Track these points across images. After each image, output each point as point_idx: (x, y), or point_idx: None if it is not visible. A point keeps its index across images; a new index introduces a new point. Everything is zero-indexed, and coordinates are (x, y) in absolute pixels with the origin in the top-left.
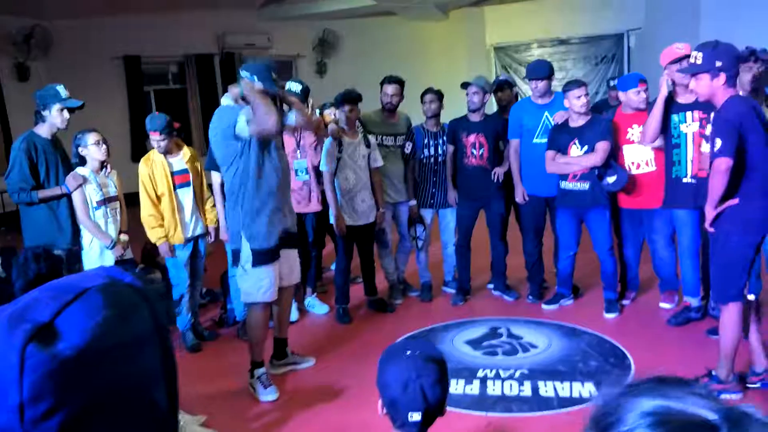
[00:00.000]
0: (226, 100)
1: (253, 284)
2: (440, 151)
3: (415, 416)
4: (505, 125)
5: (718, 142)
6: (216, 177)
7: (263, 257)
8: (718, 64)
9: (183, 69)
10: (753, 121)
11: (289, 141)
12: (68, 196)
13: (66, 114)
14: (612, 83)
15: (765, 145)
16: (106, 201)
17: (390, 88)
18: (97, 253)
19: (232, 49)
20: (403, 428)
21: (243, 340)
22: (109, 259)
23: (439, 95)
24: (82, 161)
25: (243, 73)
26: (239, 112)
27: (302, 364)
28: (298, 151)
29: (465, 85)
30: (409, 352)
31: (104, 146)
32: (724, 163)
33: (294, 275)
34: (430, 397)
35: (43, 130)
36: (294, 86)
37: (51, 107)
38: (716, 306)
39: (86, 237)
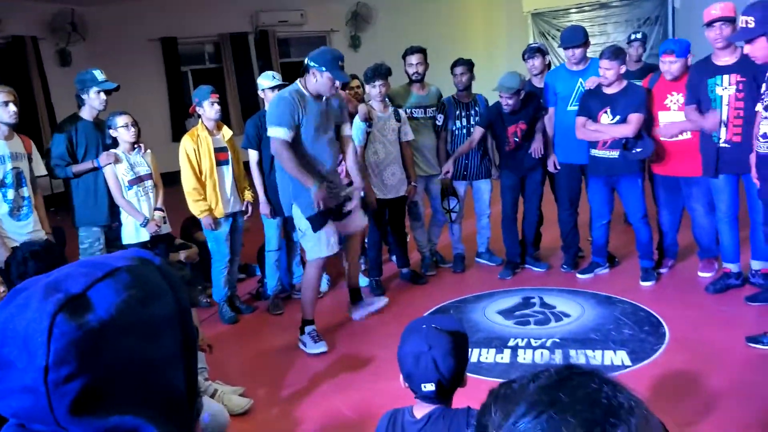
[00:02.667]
0: (266, 81)
1: (315, 242)
2: (473, 122)
3: (428, 386)
4: (539, 103)
5: None
6: (253, 155)
7: (319, 221)
8: None
9: (219, 49)
10: None
11: None
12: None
13: (103, 96)
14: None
15: None
16: (138, 180)
17: (413, 58)
18: (133, 230)
19: (266, 27)
20: (424, 399)
21: (274, 314)
22: (145, 235)
23: (470, 66)
24: (116, 142)
25: (311, 64)
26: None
27: (377, 304)
28: None
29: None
30: (424, 326)
31: (133, 129)
32: None
33: (356, 222)
34: (442, 368)
35: (85, 113)
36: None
37: (89, 90)
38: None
39: (123, 213)
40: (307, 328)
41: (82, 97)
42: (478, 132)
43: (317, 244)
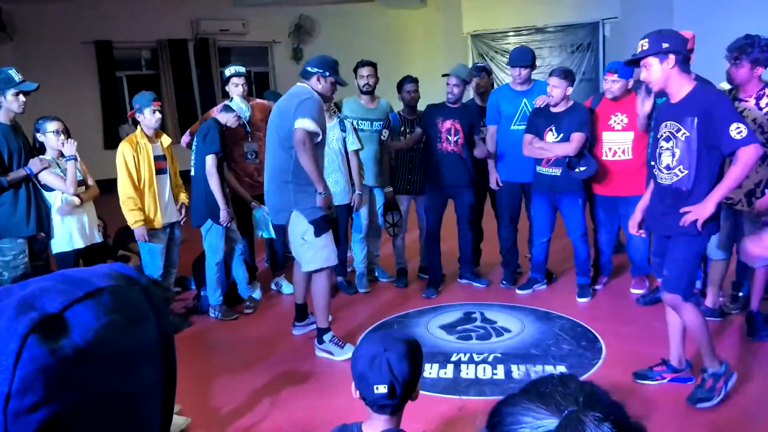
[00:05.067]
0: (240, 105)
1: (315, 252)
2: None
3: (381, 389)
4: (480, 114)
5: (743, 127)
6: (211, 160)
7: (323, 225)
8: (665, 45)
9: (156, 55)
10: None
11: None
12: (32, 182)
13: (22, 98)
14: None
15: None
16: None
17: (365, 70)
18: (66, 237)
19: (207, 34)
20: (374, 408)
21: (228, 320)
22: (78, 243)
23: (418, 83)
24: (43, 148)
25: (313, 69)
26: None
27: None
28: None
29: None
30: (381, 333)
31: (62, 136)
32: (758, 149)
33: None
34: (396, 370)
35: (1, 116)
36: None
37: (5, 92)
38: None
39: (56, 223)
40: (326, 336)
41: None
42: (417, 132)
43: (318, 253)
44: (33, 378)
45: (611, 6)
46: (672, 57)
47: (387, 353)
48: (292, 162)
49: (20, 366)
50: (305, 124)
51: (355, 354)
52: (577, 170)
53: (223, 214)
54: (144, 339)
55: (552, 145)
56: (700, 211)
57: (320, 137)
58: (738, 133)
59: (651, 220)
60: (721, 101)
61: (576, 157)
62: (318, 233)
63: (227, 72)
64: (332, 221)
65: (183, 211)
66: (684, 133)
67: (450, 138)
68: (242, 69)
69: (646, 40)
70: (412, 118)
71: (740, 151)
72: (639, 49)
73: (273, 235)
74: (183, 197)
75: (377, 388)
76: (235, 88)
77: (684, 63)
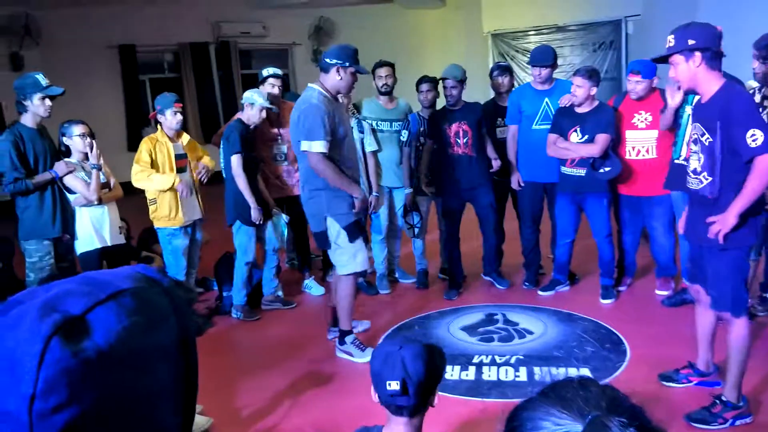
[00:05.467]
0: (259, 98)
1: (349, 257)
2: None
3: (393, 384)
4: (486, 111)
5: (759, 134)
6: (236, 160)
7: (356, 230)
8: (691, 42)
9: (178, 58)
10: None
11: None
12: (58, 184)
13: (48, 102)
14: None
15: None
16: None
17: (382, 71)
18: (89, 237)
19: (227, 37)
20: (391, 409)
21: (251, 320)
22: (101, 242)
23: (435, 83)
24: (68, 151)
25: (332, 61)
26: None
27: (358, 328)
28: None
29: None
30: (401, 336)
31: (89, 139)
32: None
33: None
34: (410, 368)
35: (28, 120)
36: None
37: (32, 97)
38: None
39: (79, 226)
40: (348, 338)
41: (24, 103)
42: (428, 145)
43: (351, 259)
44: (57, 379)
45: (634, 3)
46: (698, 55)
47: (402, 351)
48: None
49: (44, 367)
50: (313, 147)
51: (373, 354)
52: (601, 170)
53: (254, 213)
54: (164, 340)
55: (577, 146)
56: (723, 223)
57: (340, 134)
58: (753, 140)
59: (687, 225)
60: (739, 103)
61: (600, 158)
62: (352, 238)
63: (264, 72)
64: (364, 226)
65: (204, 173)
66: (708, 138)
67: (459, 141)
68: (279, 71)
69: (673, 36)
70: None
71: (756, 160)
72: (666, 45)
73: (282, 244)
74: (206, 160)
75: (389, 384)
76: (272, 89)
77: (713, 60)
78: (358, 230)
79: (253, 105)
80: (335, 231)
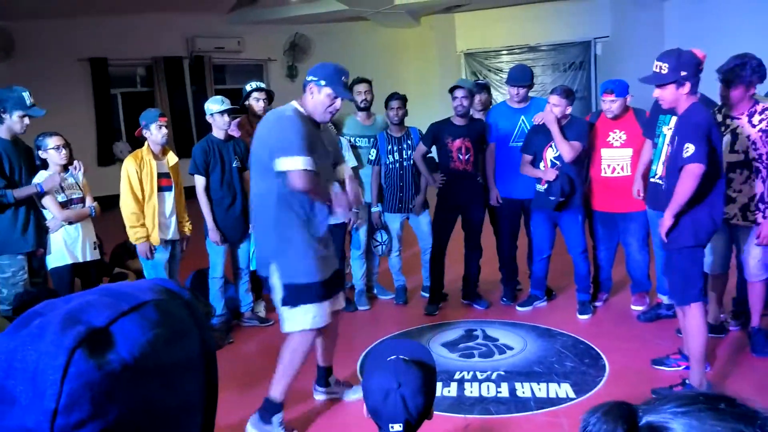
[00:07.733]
0: (214, 105)
1: (297, 314)
2: (405, 156)
3: (396, 427)
4: (485, 129)
5: (691, 147)
6: (200, 181)
7: (299, 294)
8: (683, 73)
9: (151, 72)
10: (717, 128)
11: None
12: (33, 198)
13: (27, 121)
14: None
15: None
16: (69, 203)
17: (361, 87)
18: (61, 251)
19: (202, 52)
20: None
21: (225, 344)
22: (74, 257)
23: (404, 101)
24: (45, 164)
25: (310, 78)
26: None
27: (345, 395)
28: None
29: (452, 89)
30: (393, 358)
31: (65, 151)
32: (698, 169)
33: (340, 297)
34: (411, 407)
35: (2, 132)
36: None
37: (12, 112)
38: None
39: (52, 241)
40: (276, 417)
41: (2, 116)
42: (420, 150)
43: (297, 316)
44: (80, 393)
45: (603, 25)
46: (688, 84)
47: (401, 389)
48: (273, 199)
49: (67, 381)
50: (293, 164)
51: (366, 384)
52: (551, 198)
53: (212, 234)
54: (188, 353)
55: (543, 173)
56: (661, 223)
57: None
58: (686, 151)
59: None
60: (690, 119)
61: (558, 183)
62: (290, 303)
63: (248, 87)
64: (331, 288)
65: (185, 244)
66: (670, 149)
67: (462, 157)
68: (263, 84)
69: (666, 64)
70: (399, 135)
71: (684, 168)
72: (656, 69)
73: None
74: (187, 228)
75: (392, 427)
76: (257, 103)
77: (696, 86)
78: (304, 295)
79: (213, 115)
80: (277, 283)
